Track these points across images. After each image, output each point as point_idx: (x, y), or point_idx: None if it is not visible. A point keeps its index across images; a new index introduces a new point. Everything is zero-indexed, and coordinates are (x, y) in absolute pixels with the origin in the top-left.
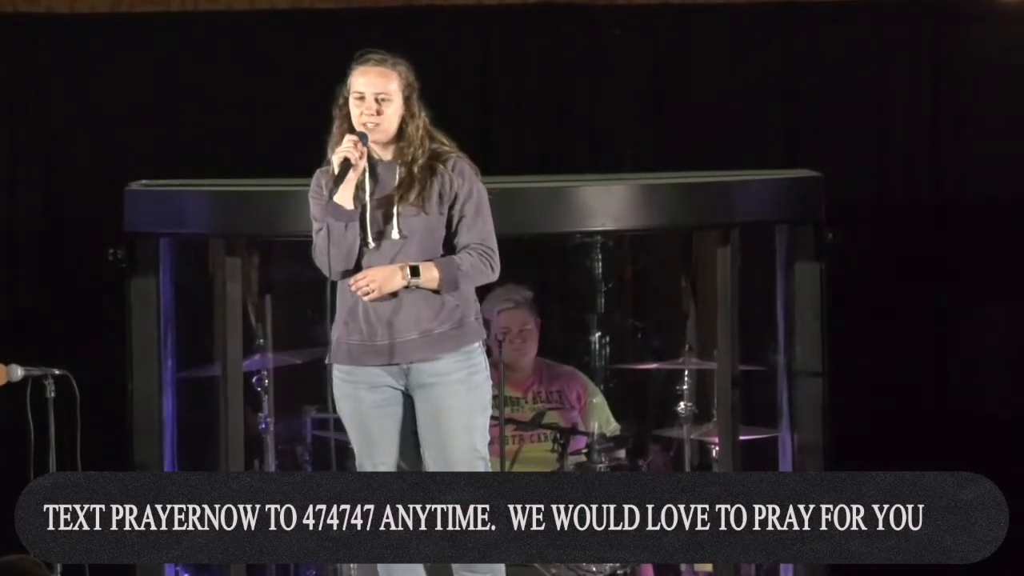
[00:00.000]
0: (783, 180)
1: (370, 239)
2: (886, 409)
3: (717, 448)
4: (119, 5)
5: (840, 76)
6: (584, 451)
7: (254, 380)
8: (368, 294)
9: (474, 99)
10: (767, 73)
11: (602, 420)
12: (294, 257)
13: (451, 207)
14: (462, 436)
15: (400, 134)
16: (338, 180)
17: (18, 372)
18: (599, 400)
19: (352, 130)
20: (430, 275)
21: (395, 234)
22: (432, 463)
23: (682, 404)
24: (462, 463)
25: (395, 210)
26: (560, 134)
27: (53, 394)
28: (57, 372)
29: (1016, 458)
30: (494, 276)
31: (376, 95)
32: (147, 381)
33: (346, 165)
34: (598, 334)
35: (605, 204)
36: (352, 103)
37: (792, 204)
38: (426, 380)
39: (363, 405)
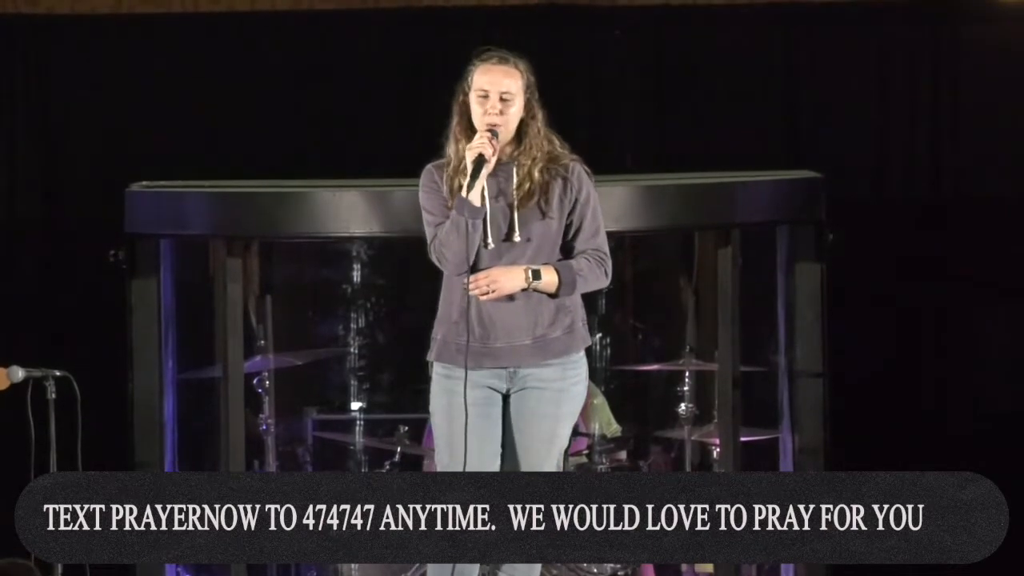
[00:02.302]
0: (784, 181)
1: (489, 239)
2: (886, 409)
3: (718, 449)
4: (120, 6)
5: (841, 77)
6: (585, 452)
7: (255, 381)
8: (487, 294)
9: None
10: (768, 74)
11: (603, 421)
12: (295, 258)
13: (571, 212)
14: (546, 443)
15: (519, 134)
16: (473, 175)
17: (19, 373)
18: (600, 401)
19: (470, 127)
20: (550, 279)
21: (517, 236)
22: (510, 463)
23: (683, 405)
24: (547, 468)
25: (515, 212)
26: (561, 135)
27: (54, 395)
28: (58, 373)
29: (1016, 458)
30: (607, 282)
31: (501, 93)
32: (148, 382)
33: (480, 161)
34: (599, 335)
35: (606, 205)
36: (474, 100)
37: (793, 205)
38: (529, 384)
39: (459, 400)
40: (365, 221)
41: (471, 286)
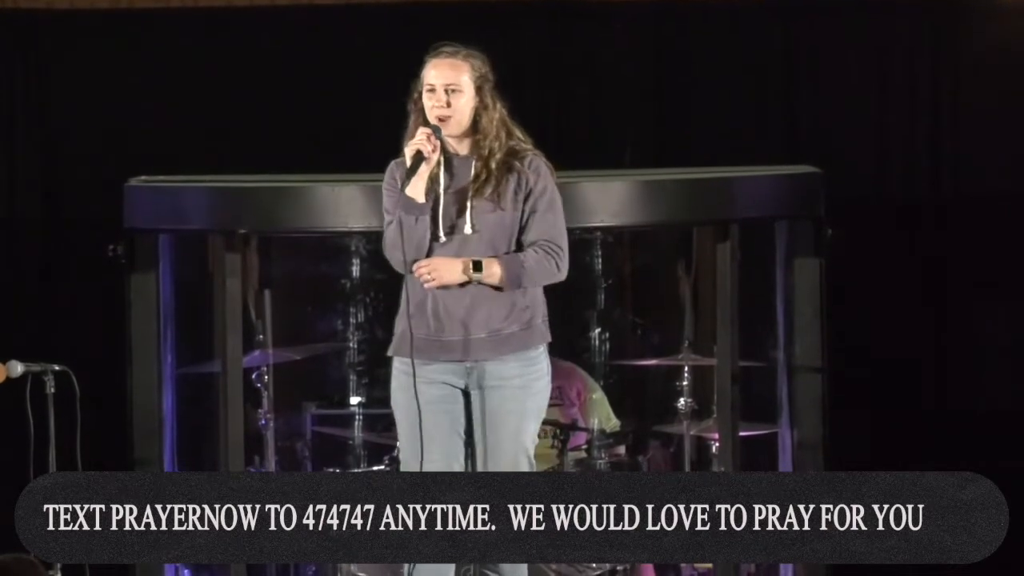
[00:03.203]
0: (783, 176)
1: (441, 233)
2: (886, 409)
3: (717, 444)
4: (119, 1)
5: (840, 72)
6: (584, 447)
7: (254, 376)
8: (428, 282)
9: None
10: (767, 69)
11: (602, 416)
12: (293, 253)
13: (524, 203)
14: (513, 440)
15: (475, 127)
16: (410, 173)
17: (18, 368)
18: (599, 396)
19: (426, 123)
20: (492, 271)
21: (467, 228)
22: (480, 462)
23: (682, 400)
24: (509, 466)
25: (468, 204)
26: (560, 130)
27: (53, 390)
28: (57, 368)
29: (1016, 457)
30: (561, 275)
31: (446, 86)
32: (147, 377)
33: (418, 158)
34: (598, 330)
35: (605, 200)
36: (424, 95)
37: (792, 200)
38: (488, 382)
39: (420, 399)
40: (364, 216)
41: (415, 272)
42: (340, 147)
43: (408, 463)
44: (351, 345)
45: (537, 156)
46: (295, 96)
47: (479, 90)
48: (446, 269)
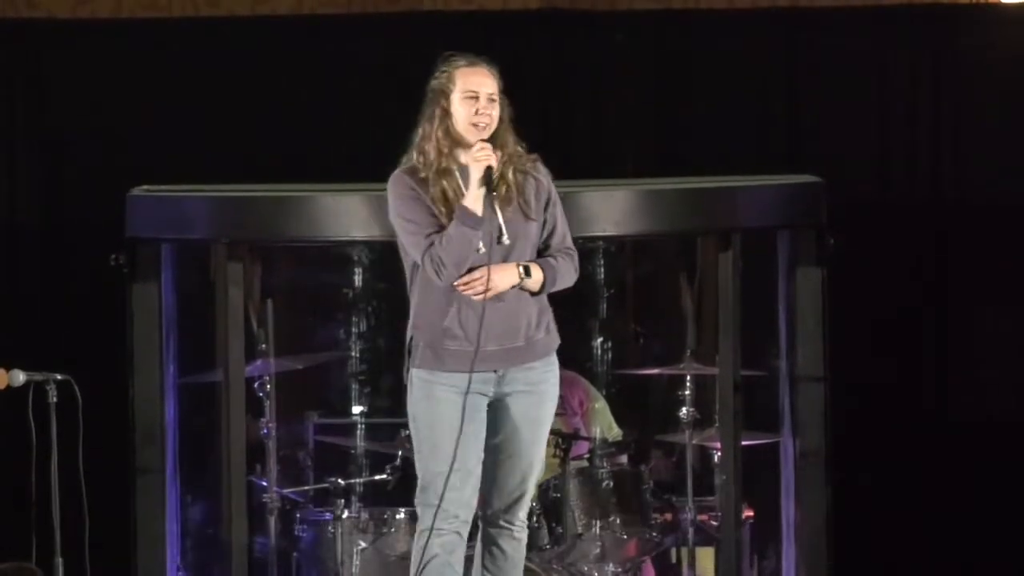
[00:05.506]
0: (785, 186)
1: (481, 244)
2: (886, 410)
3: (719, 453)
4: (120, 11)
5: (842, 81)
6: (586, 456)
7: (256, 385)
8: (479, 293)
9: None
10: (769, 78)
11: (604, 425)
12: (296, 262)
13: (544, 211)
14: (537, 447)
15: (492, 137)
16: (487, 187)
17: (20, 377)
18: (601, 405)
19: (447, 132)
20: (538, 275)
21: (505, 239)
22: (509, 469)
23: (684, 409)
24: (525, 472)
25: (499, 214)
26: (562, 139)
27: (55, 399)
28: (59, 377)
29: (1017, 459)
30: (577, 276)
31: (488, 95)
32: (149, 386)
33: (489, 172)
34: (600, 339)
35: (607, 210)
36: (461, 102)
37: (794, 209)
38: (518, 388)
39: (447, 409)
40: (366, 225)
41: (463, 288)
42: (343, 156)
43: (430, 474)
44: (353, 354)
45: (539, 161)
46: (297, 105)
47: (501, 102)
48: (500, 276)
